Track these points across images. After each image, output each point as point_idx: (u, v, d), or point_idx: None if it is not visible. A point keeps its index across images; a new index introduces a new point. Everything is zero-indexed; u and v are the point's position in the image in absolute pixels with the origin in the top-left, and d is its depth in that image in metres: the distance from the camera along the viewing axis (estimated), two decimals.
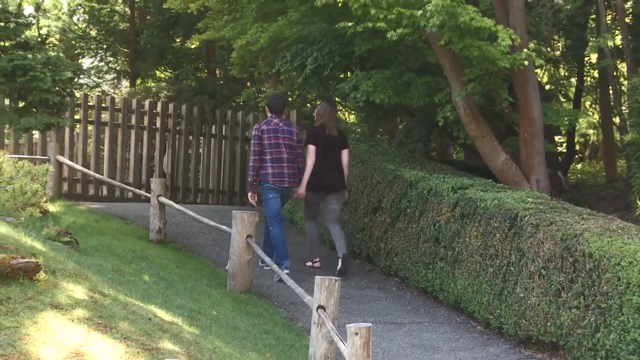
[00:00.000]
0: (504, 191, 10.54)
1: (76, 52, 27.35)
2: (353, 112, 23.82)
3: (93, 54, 27.74)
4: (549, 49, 16.12)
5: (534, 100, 12.06)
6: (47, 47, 13.59)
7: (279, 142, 12.16)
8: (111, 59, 27.86)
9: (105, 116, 17.98)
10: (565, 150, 17.81)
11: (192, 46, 24.23)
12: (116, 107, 17.98)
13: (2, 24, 12.58)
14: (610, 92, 15.79)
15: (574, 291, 8.31)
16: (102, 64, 28.11)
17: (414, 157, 14.07)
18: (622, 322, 7.59)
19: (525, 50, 11.35)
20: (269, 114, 12.43)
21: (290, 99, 18.25)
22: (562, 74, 20.22)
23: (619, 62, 15.39)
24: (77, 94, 17.74)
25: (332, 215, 12.67)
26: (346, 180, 12.78)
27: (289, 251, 12.04)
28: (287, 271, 11.27)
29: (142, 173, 18.18)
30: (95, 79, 28.64)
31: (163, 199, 12.93)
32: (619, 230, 8.52)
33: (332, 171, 12.58)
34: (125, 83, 28.40)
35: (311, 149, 12.44)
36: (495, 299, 9.57)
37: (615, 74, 14.28)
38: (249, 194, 12.29)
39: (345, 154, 12.68)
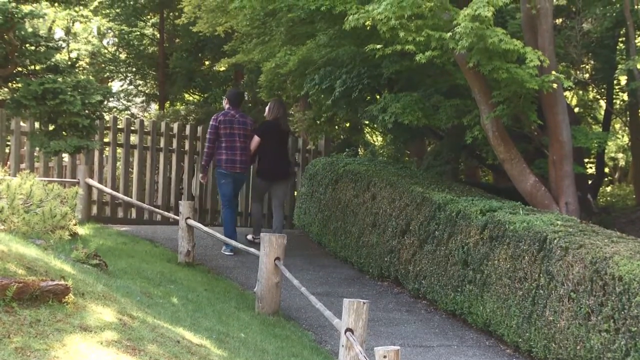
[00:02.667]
0: (533, 214, 10.51)
1: (106, 75, 27.49)
2: (381, 134, 23.80)
3: (122, 77, 27.89)
4: (577, 72, 16.08)
5: (563, 123, 12.02)
6: (77, 70, 13.64)
7: (234, 132, 14.16)
8: (140, 82, 27.98)
9: (134, 139, 18.06)
10: (594, 173, 17.72)
11: (221, 69, 24.30)
12: (145, 130, 18.06)
13: (33, 47, 12.65)
14: None
15: (604, 314, 8.27)
16: (132, 87, 28.25)
17: (442, 180, 14.05)
18: None
19: (553, 72, 11.32)
20: (226, 106, 14.45)
21: (317, 122, 18.25)
22: (591, 96, 20.14)
23: None
24: (107, 117, 17.83)
25: (278, 201, 14.79)
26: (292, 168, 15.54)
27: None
28: (230, 248, 13.68)
29: (171, 195, 18.23)
30: (124, 102, 28.77)
31: (191, 222, 12.96)
32: None
33: (280, 162, 14.58)
34: (154, 106, 28.51)
35: (255, 139, 14.33)
36: (525, 322, 9.53)
37: None
38: (201, 175, 14.89)
39: (287, 148, 15.20)
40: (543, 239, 9.53)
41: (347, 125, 21.23)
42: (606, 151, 19.19)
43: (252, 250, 11.36)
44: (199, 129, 18.72)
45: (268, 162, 14.48)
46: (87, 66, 26.99)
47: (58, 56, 13.20)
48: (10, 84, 12.85)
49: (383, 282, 13.09)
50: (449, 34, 10.93)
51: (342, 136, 21.31)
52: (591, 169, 18.36)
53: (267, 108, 14.90)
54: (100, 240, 13.11)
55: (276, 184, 14.74)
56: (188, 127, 18.64)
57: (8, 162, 16.69)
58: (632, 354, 7.81)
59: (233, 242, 12.37)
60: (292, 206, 18.15)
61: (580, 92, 19.79)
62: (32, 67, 12.74)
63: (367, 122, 18.97)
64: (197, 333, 8.12)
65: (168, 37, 25.69)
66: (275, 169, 14.58)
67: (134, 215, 17.83)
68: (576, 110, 19.08)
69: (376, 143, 25.50)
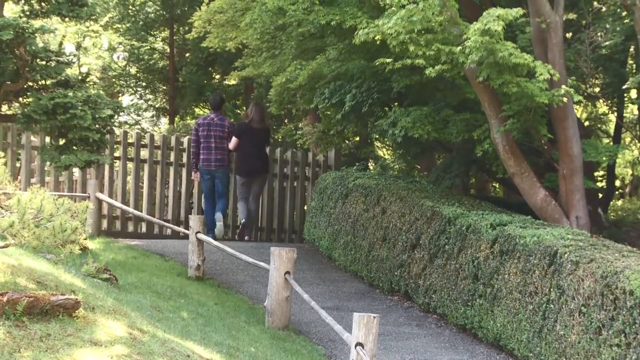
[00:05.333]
0: (543, 228, 10.49)
1: (116, 89, 27.56)
2: (391, 148, 23.80)
3: (133, 91, 27.95)
4: (587, 85, 16.06)
5: (573, 137, 12.00)
6: (87, 85, 13.68)
7: (210, 133, 16.16)
8: (150, 96, 28.03)
9: (144, 153, 18.08)
10: (605, 187, 17.68)
11: (231, 83, 24.33)
12: (155, 144, 18.09)
13: (44, 62, 12.70)
14: None
15: (615, 329, 8.24)
16: (142, 101, 28.30)
17: (453, 194, 14.04)
18: None
19: (563, 86, 11.32)
20: (211, 111, 16.63)
21: (327, 134, 18.29)
22: (602, 110, 20.11)
23: None
24: (117, 132, 17.87)
25: (254, 194, 16.68)
26: (268, 166, 17.12)
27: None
28: (211, 234, 15.50)
29: (181, 210, 18.23)
30: (134, 116, 28.83)
31: (201, 236, 12.97)
32: None
33: (256, 159, 16.35)
34: (164, 120, 28.56)
35: (234, 140, 16.16)
36: (535, 337, 9.51)
37: None
38: (193, 174, 16.80)
39: (266, 147, 16.81)
40: (553, 253, 9.51)
41: (357, 139, 21.25)
42: (617, 165, 19.13)
43: (261, 264, 11.36)
44: None
45: (243, 160, 16.40)
46: (98, 81, 27.08)
47: (68, 71, 13.25)
48: (21, 98, 12.91)
49: (393, 296, 13.08)
50: (459, 48, 10.93)
51: (352, 150, 21.31)
52: (602, 183, 18.33)
53: (244, 113, 17.15)
54: (110, 255, 13.12)
55: (253, 180, 16.58)
56: None
57: (19, 177, 16.73)
58: None
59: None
60: (302, 220, 18.15)
61: (590, 106, 19.75)
62: (43, 81, 12.79)
63: (377, 136, 18.98)
64: (207, 347, 8.11)
65: (178, 52, 25.75)
66: (250, 166, 16.43)
67: (144, 229, 17.84)
68: (586, 124, 19.04)
69: (386, 157, 25.50)
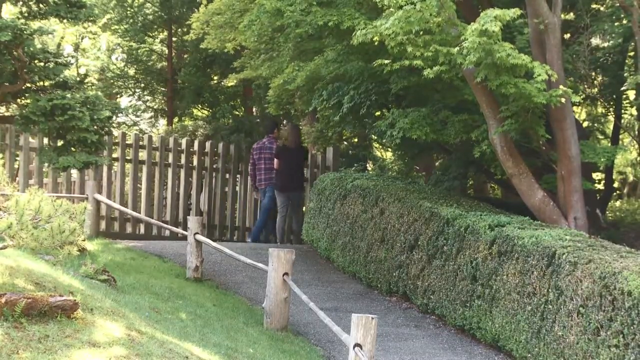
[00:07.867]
0: (542, 229, 10.49)
1: (114, 91, 27.52)
2: (389, 149, 23.79)
3: (131, 92, 27.89)
4: (586, 87, 16.06)
5: (572, 138, 12.00)
6: (85, 86, 13.69)
7: (262, 156, 17.69)
8: (149, 97, 27.98)
9: (142, 155, 18.08)
10: (603, 188, 17.67)
11: (229, 84, 24.31)
12: (154, 145, 18.09)
13: (42, 64, 12.71)
14: None
15: (613, 329, 8.24)
16: (140, 102, 28.26)
17: (451, 195, 14.03)
18: None
19: (561, 87, 11.31)
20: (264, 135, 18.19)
21: (326, 137, 18.33)
22: (600, 111, 20.11)
23: None
24: (115, 133, 17.86)
25: (293, 208, 17.97)
26: (303, 182, 18.25)
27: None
28: (249, 240, 17.98)
29: (179, 211, 18.25)
30: (133, 117, 28.79)
31: (200, 237, 12.96)
32: None
33: (291, 177, 17.52)
34: (162, 121, 28.53)
35: (275, 162, 17.52)
36: (534, 337, 9.51)
37: None
38: (255, 193, 18.55)
39: (303, 165, 18.01)
40: (552, 254, 9.51)
41: (355, 140, 21.25)
42: (615, 165, 19.12)
43: (260, 265, 11.36)
44: (207, 144, 18.74)
45: (278, 178, 17.49)
46: (96, 82, 27.04)
47: (67, 72, 13.25)
48: (19, 100, 12.91)
49: (391, 297, 13.08)
50: (457, 49, 10.93)
51: (350, 151, 21.31)
52: (600, 184, 18.32)
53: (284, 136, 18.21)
54: (108, 256, 13.12)
55: (290, 195, 17.64)
56: (196, 143, 18.68)
57: (17, 178, 16.73)
58: None
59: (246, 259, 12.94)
60: (301, 221, 18.17)
61: (589, 106, 19.75)
62: (41, 83, 12.79)
63: (375, 137, 18.99)
64: (205, 348, 8.11)
65: (176, 53, 25.72)
66: (283, 183, 17.45)
67: (142, 230, 17.84)
68: (585, 124, 19.04)
69: (385, 158, 25.50)
